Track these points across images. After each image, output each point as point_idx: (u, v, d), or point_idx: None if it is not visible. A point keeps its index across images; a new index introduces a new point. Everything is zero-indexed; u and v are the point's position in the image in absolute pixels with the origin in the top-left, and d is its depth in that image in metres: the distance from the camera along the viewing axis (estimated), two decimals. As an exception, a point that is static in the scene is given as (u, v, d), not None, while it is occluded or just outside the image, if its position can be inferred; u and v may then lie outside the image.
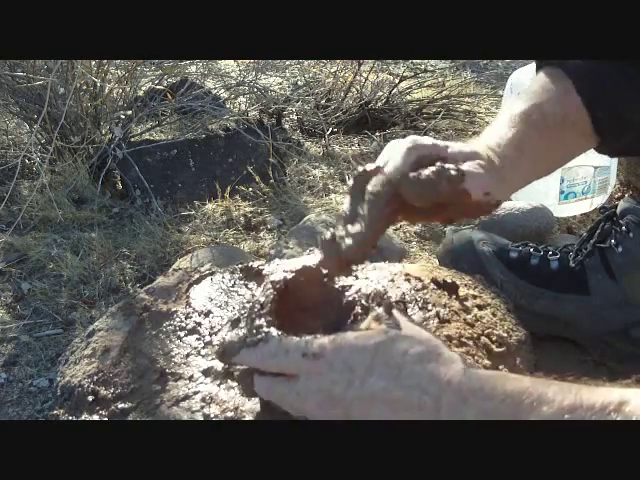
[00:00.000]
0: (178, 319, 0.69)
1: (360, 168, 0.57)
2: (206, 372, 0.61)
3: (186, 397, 0.59)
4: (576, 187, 1.32)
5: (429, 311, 0.68)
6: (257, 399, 0.56)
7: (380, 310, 0.50)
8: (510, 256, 0.96)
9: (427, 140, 0.59)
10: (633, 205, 0.90)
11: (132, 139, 1.60)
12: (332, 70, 2.06)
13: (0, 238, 1.23)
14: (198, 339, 0.66)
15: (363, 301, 0.62)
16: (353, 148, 1.75)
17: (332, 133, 1.80)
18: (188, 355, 0.64)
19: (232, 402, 0.57)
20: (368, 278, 0.73)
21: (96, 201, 1.42)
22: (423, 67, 2.40)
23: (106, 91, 1.54)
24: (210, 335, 0.66)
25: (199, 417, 0.56)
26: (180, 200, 1.44)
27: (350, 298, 0.63)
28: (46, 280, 1.15)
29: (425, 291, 0.72)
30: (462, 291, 0.74)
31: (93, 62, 1.47)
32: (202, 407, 0.57)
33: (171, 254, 1.22)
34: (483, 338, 0.66)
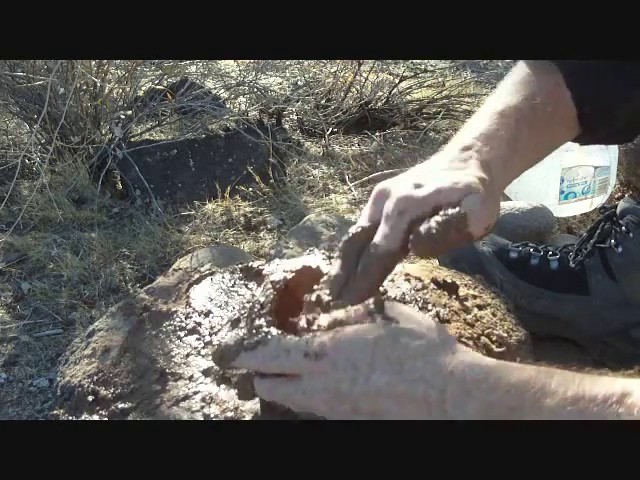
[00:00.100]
0: (178, 319, 0.69)
1: (347, 235, 0.56)
2: (206, 372, 0.61)
3: (186, 397, 0.59)
4: (576, 187, 1.32)
5: (429, 311, 0.68)
6: (257, 399, 0.56)
7: (372, 306, 0.49)
8: (510, 256, 0.96)
9: (415, 195, 0.55)
10: (633, 205, 0.90)
11: (132, 139, 1.60)
12: (332, 70, 2.06)
13: (0, 238, 1.23)
14: (198, 339, 0.66)
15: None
16: (353, 148, 1.75)
17: (332, 133, 1.80)
18: (188, 355, 0.64)
19: (232, 402, 0.57)
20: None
21: (96, 201, 1.42)
22: (423, 67, 2.40)
23: (106, 91, 1.54)
24: (210, 335, 0.66)
25: (199, 417, 0.56)
26: (180, 200, 1.44)
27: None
28: (46, 280, 1.15)
29: (425, 291, 0.72)
30: (462, 291, 0.74)
31: (93, 62, 1.47)
32: (202, 407, 0.57)
33: (171, 254, 1.22)
34: (483, 338, 0.66)
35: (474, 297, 0.74)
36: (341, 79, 1.94)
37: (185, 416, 0.57)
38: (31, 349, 0.98)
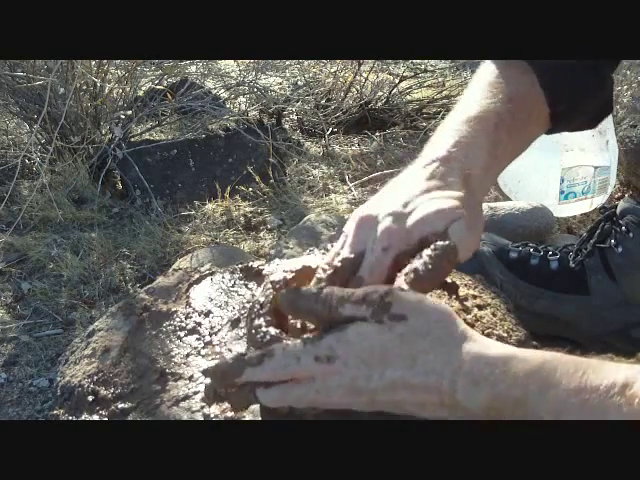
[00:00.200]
0: (178, 319, 0.69)
1: (330, 267, 0.54)
2: (206, 372, 0.61)
3: (186, 397, 0.59)
4: (576, 187, 1.32)
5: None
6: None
7: (377, 307, 0.49)
8: (510, 256, 0.96)
9: (399, 229, 0.54)
10: (633, 205, 0.90)
11: (132, 139, 1.60)
12: (332, 70, 2.07)
13: (0, 238, 1.23)
14: (198, 339, 0.66)
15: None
16: (353, 148, 1.75)
17: (332, 133, 1.80)
18: (188, 355, 0.64)
19: (232, 402, 0.57)
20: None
21: (96, 201, 1.42)
22: (423, 67, 2.40)
23: (106, 91, 1.54)
24: (210, 335, 0.66)
25: (199, 417, 0.56)
26: (180, 200, 1.44)
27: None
28: (46, 280, 1.15)
29: (425, 291, 0.72)
30: (462, 291, 0.74)
31: (93, 62, 1.47)
32: (202, 407, 0.57)
33: (171, 254, 1.22)
34: (483, 338, 0.66)
35: (474, 297, 0.74)
36: (341, 79, 1.94)
37: (185, 416, 0.57)
38: (31, 349, 0.98)
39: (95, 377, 0.64)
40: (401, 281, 0.52)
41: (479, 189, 0.60)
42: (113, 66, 1.64)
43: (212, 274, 0.77)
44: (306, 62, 2.21)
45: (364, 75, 1.97)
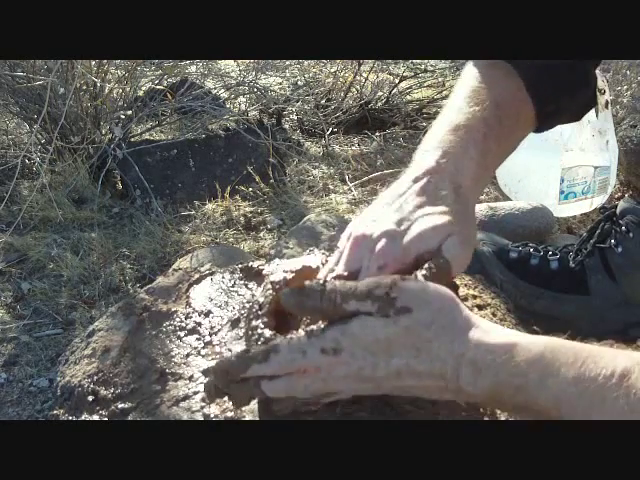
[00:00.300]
0: (178, 319, 0.69)
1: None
2: (206, 372, 0.61)
3: (186, 397, 0.59)
4: (576, 187, 1.32)
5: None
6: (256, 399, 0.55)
7: (381, 303, 0.49)
8: (510, 256, 0.96)
9: (394, 249, 0.54)
10: (633, 205, 0.90)
11: (132, 139, 1.60)
12: (332, 70, 2.07)
13: (0, 238, 1.23)
14: (198, 339, 0.66)
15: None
16: (353, 148, 1.75)
17: (332, 133, 1.80)
18: (188, 355, 0.64)
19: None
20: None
21: (96, 201, 1.42)
22: (423, 67, 2.41)
23: (106, 91, 1.54)
24: (210, 335, 0.66)
25: (199, 417, 0.56)
26: (180, 200, 1.44)
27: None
28: (46, 280, 1.15)
29: (425, 291, 0.72)
30: (462, 291, 0.74)
31: (93, 62, 1.47)
32: (202, 407, 0.57)
33: (171, 254, 1.22)
34: (483, 338, 0.66)
35: (474, 297, 0.74)
36: (341, 79, 1.95)
37: (185, 416, 0.57)
38: (31, 349, 0.98)
39: (95, 377, 0.64)
40: None
41: (470, 199, 0.60)
42: (113, 66, 1.64)
43: (212, 274, 0.77)
44: (306, 62, 2.21)
45: (364, 75, 1.97)
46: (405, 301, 0.48)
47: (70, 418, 0.61)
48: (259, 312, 0.55)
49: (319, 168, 1.62)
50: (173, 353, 0.64)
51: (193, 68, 1.96)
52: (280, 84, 2.18)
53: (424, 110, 1.94)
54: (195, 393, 0.59)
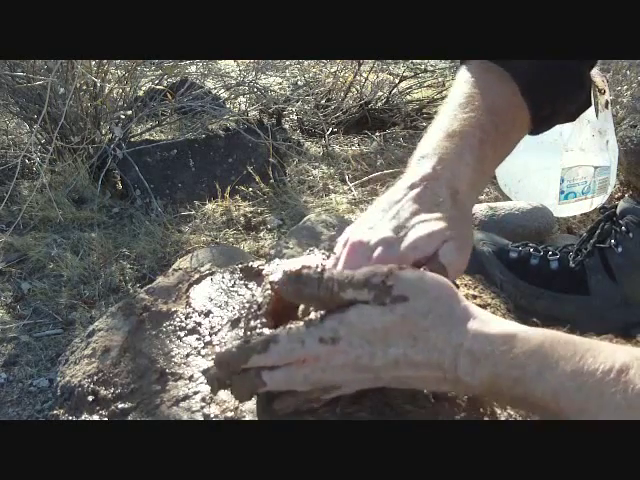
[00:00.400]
0: (178, 319, 0.69)
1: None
2: (206, 372, 0.61)
3: (186, 397, 0.59)
4: (576, 187, 1.32)
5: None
6: (255, 399, 0.55)
7: (378, 292, 0.49)
8: (510, 256, 0.96)
9: (392, 258, 0.55)
10: (633, 205, 0.90)
11: (132, 139, 1.60)
12: (332, 70, 2.07)
13: (0, 238, 1.23)
14: (198, 339, 0.66)
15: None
16: (353, 148, 1.75)
17: (332, 133, 1.80)
18: (188, 355, 0.64)
19: (232, 402, 0.57)
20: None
21: (96, 201, 1.42)
22: (423, 67, 2.41)
23: (106, 91, 1.54)
24: (210, 335, 0.66)
25: (199, 417, 0.56)
26: (180, 200, 1.44)
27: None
28: (46, 280, 1.15)
29: (425, 291, 0.72)
30: (462, 291, 0.74)
31: (93, 62, 1.47)
32: (202, 407, 0.57)
33: (171, 254, 1.22)
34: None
35: (474, 297, 0.74)
36: (341, 79, 1.95)
37: (185, 416, 0.57)
38: (31, 349, 0.98)
39: (95, 377, 0.64)
40: None
41: (467, 204, 0.61)
42: (113, 66, 1.64)
43: (212, 274, 0.76)
44: (306, 62, 2.21)
45: (364, 75, 1.97)
46: (401, 289, 0.49)
47: (70, 418, 0.61)
48: (258, 312, 0.55)
49: (319, 168, 1.62)
50: (173, 353, 0.64)
51: (193, 68, 1.96)
52: (280, 84, 2.19)
53: (424, 110, 1.94)
54: (195, 393, 0.59)
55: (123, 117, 1.50)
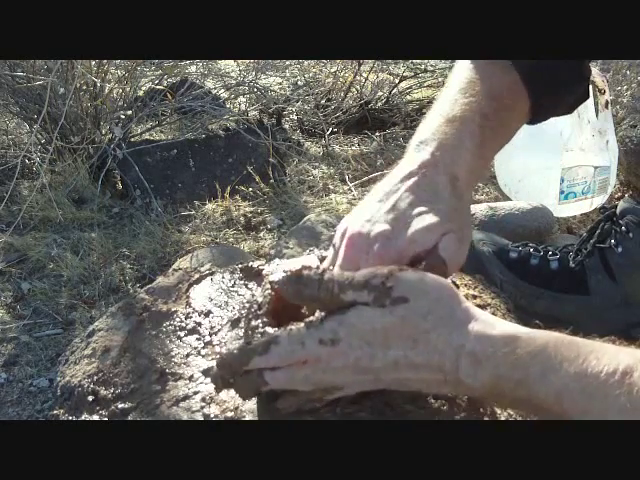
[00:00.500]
0: (178, 319, 0.69)
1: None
2: (206, 372, 0.61)
3: (186, 397, 0.59)
4: (576, 187, 1.32)
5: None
6: (255, 399, 0.56)
7: (378, 293, 0.49)
8: (510, 256, 0.96)
9: (391, 251, 0.54)
10: (633, 205, 0.90)
11: (132, 139, 1.60)
12: (332, 70, 2.07)
13: (0, 238, 1.23)
14: (198, 339, 0.66)
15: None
16: (353, 148, 1.75)
17: (332, 133, 1.80)
18: (188, 355, 0.64)
19: (232, 402, 0.57)
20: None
21: (96, 201, 1.42)
22: (423, 67, 2.40)
23: (106, 91, 1.54)
24: (210, 335, 0.66)
25: (199, 417, 0.56)
26: (180, 200, 1.44)
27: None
28: (46, 280, 1.15)
29: (425, 291, 0.72)
30: (462, 291, 0.74)
31: (93, 62, 1.47)
32: (202, 407, 0.57)
33: (171, 254, 1.22)
34: (483, 338, 0.66)
35: (474, 297, 0.74)
36: (341, 79, 1.94)
37: (185, 416, 0.57)
38: (31, 349, 0.98)
39: (95, 377, 0.64)
40: None
41: (466, 192, 0.60)
42: (113, 66, 1.64)
43: (212, 274, 0.76)
44: (306, 62, 2.21)
45: (364, 75, 1.97)
46: (401, 291, 0.48)
47: (70, 418, 0.61)
48: (258, 312, 0.55)
49: (319, 168, 1.62)
50: (173, 353, 0.64)
51: (193, 68, 1.96)
52: (280, 84, 2.18)
53: (424, 110, 1.93)
54: (195, 393, 0.59)
55: (123, 117, 1.50)
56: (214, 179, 1.45)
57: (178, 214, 1.38)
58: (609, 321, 0.89)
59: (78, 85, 1.44)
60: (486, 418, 0.54)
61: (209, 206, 1.39)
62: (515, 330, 0.48)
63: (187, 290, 0.74)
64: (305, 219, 1.20)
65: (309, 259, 0.63)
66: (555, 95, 0.69)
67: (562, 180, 1.31)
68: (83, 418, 0.60)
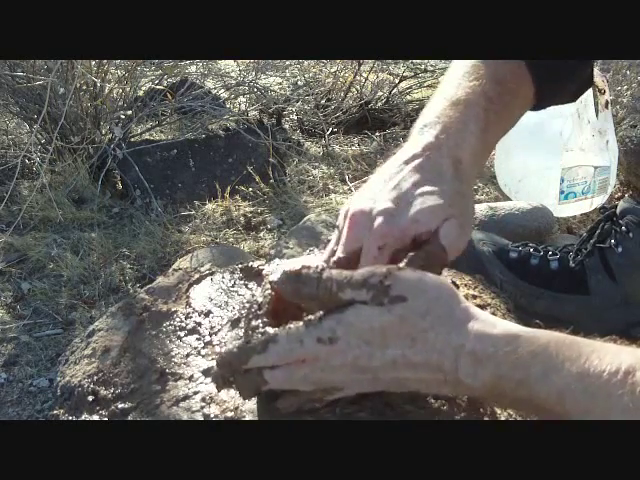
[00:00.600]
0: (178, 319, 0.69)
1: (327, 266, 0.54)
2: (206, 372, 0.61)
3: (186, 397, 0.59)
4: (576, 187, 1.32)
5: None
6: (255, 399, 0.56)
7: (376, 292, 0.49)
8: (510, 256, 0.96)
9: (393, 229, 0.54)
10: (633, 205, 0.90)
11: (132, 139, 1.60)
12: (332, 70, 2.07)
13: (0, 238, 1.23)
14: (198, 339, 0.66)
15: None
16: (353, 148, 1.75)
17: (332, 133, 1.80)
18: (188, 355, 0.64)
19: (232, 402, 0.57)
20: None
21: (96, 201, 1.42)
22: (423, 67, 2.40)
23: (106, 91, 1.54)
24: (210, 335, 0.66)
25: (199, 417, 0.56)
26: (180, 200, 1.44)
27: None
28: (46, 280, 1.15)
29: (425, 291, 0.72)
30: (462, 291, 0.74)
31: (93, 62, 1.47)
32: (202, 407, 0.57)
33: (171, 254, 1.22)
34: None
35: (474, 297, 0.74)
36: (341, 79, 1.94)
37: (185, 416, 0.57)
38: (31, 349, 0.98)
39: (95, 377, 0.64)
40: None
41: (469, 175, 0.60)
42: (113, 66, 1.64)
43: (212, 274, 0.77)
44: (306, 62, 2.21)
45: (364, 75, 1.97)
46: (400, 290, 0.48)
47: (70, 418, 0.61)
48: (258, 312, 0.55)
49: (319, 168, 1.62)
50: (173, 353, 0.64)
51: (193, 68, 1.96)
52: (280, 84, 2.18)
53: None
54: (195, 393, 0.59)
55: (123, 117, 1.50)
56: (214, 179, 1.45)
57: (178, 214, 1.38)
58: (609, 321, 0.89)
59: (78, 85, 1.44)
60: (486, 418, 0.54)
61: (209, 206, 1.39)
62: (516, 329, 0.47)
63: (187, 290, 0.74)
64: (305, 219, 1.20)
65: (309, 259, 0.63)
66: (559, 81, 0.69)
67: (562, 180, 1.31)
68: (83, 418, 0.60)
